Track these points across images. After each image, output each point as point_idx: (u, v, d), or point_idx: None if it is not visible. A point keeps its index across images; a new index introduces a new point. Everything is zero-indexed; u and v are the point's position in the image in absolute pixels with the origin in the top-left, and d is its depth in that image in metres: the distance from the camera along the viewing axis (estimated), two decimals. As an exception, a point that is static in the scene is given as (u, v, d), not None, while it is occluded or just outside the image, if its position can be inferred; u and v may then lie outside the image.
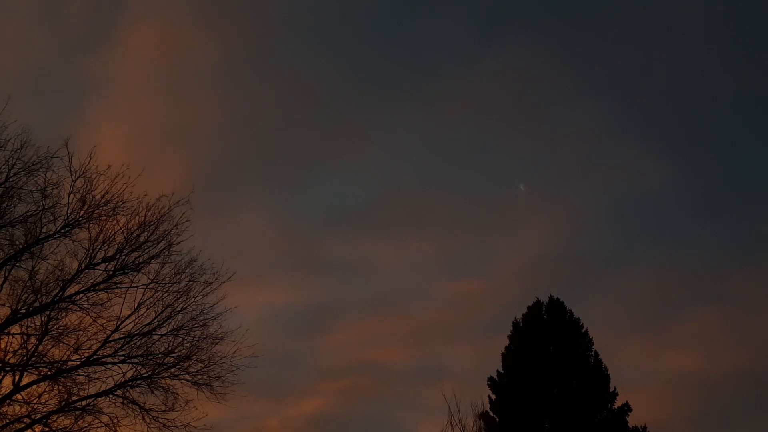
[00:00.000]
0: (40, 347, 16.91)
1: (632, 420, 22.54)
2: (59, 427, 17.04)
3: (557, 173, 49.36)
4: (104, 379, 17.40)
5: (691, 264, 46.02)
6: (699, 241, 47.21)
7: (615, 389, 23.02)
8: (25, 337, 16.96)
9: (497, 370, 24.04)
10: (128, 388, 17.49)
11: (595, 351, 23.77)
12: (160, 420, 17.56)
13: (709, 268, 45.62)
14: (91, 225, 17.28)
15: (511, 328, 24.75)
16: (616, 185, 48.67)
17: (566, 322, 24.33)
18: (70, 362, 17.16)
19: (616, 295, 44.19)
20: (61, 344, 17.16)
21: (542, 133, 50.11)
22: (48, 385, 17.10)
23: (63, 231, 17.10)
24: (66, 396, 17.11)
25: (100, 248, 17.32)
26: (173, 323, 17.97)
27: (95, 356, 17.23)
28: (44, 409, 16.94)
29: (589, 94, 50.43)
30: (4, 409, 16.78)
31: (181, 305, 18.05)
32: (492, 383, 23.75)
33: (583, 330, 24.15)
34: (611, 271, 46.45)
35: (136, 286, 17.67)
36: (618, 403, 22.82)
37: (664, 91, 48.61)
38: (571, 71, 48.73)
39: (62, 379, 17.08)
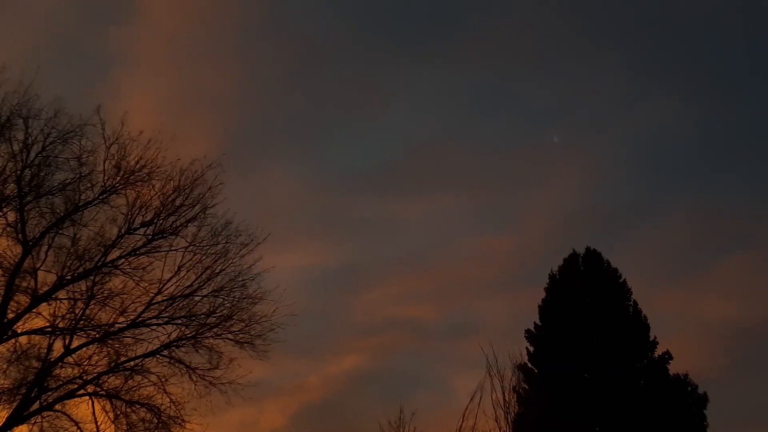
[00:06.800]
0: (87, 311, 17.48)
1: (673, 368, 22.33)
2: (110, 386, 17.65)
3: (584, 123, 48.38)
4: (150, 340, 18.01)
5: (725, 210, 45.10)
6: (731, 187, 46.11)
7: (655, 338, 22.74)
8: (72, 302, 17.49)
9: (534, 323, 23.90)
10: (174, 348, 18.03)
11: (634, 300, 23.39)
12: (206, 378, 18.11)
13: (743, 214, 44.56)
14: (127, 191, 17.65)
15: (548, 280, 24.51)
16: (645, 133, 47.52)
17: (603, 273, 23.97)
18: (116, 325, 17.71)
19: (649, 243, 43.66)
20: (107, 308, 17.73)
21: (568, 84, 48.96)
22: (97, 347, 17.74)
23: (101, 198, 17.46)
24: (115, 357, 17.75)
25: (137, 213, 17.67)
26: (213, 285, 18.36)
27: (140, 318, 17.71)
28: (95, 371, 17.61)
29: (612, 41, 48.85)
30: (57, 371, 17.41)
31: (219, 267, 18.41)
32: (529, 335, 23.66)
33: (621, 280, 23.80)
34: (643, 220, 45.83)
35: (175, 250, 18.06)
36: (658, 352, 22.57)
37: (688, 33, 46.72)
38: (594, 19, 47.17)
39: (110, 341, 17.67)
